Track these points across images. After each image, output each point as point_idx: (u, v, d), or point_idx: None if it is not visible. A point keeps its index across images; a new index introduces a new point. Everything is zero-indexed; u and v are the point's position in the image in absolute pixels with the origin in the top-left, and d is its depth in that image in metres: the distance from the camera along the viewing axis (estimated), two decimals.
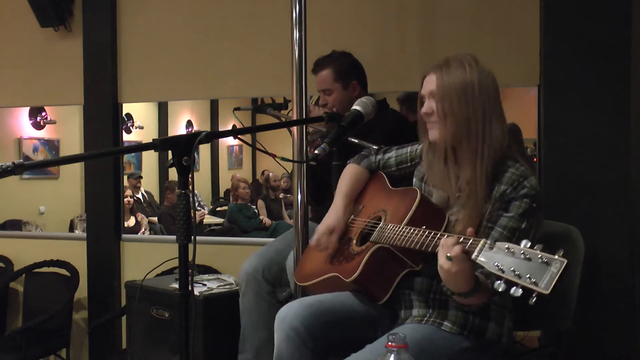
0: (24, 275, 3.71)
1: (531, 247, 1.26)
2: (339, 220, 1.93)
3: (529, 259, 1.23)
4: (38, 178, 4.63)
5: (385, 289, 1.74)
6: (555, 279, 1.19)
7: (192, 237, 1.44)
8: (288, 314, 1.75)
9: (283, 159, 1.74)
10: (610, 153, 2.60)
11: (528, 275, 1.22)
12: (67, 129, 4.46)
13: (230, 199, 5.32)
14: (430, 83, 1.70)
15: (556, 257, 1.20)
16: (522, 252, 1.25)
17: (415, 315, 1.75)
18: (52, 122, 4.49)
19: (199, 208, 5.11)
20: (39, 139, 4.50)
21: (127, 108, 3.88)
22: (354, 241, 1.88)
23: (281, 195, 5.36)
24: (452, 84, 1.65)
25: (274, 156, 1.70)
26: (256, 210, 5.16)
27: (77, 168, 4.00)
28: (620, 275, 2.59)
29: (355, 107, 1.80)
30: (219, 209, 5.52)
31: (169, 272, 3.16)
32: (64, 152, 4.61)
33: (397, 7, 3.12)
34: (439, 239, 1.50)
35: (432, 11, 3.06)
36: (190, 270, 1.46)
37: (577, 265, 1.95)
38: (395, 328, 1.72)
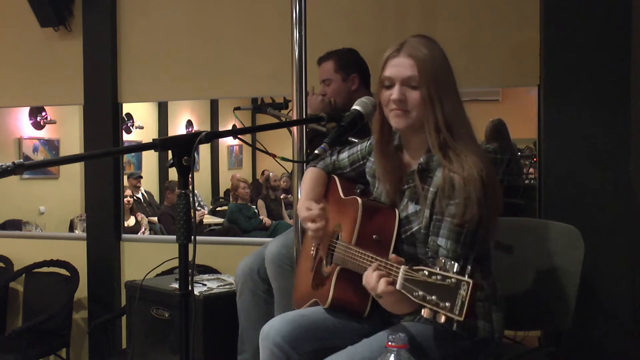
0: (24, 275, 3.71)
1: (444, 266, 1.26)
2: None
3: (443, 283, 1.24)
4: (38, 178, 4.63)
5: (362, 304, 1.73)
6: (466, 304, 1.19)
7: (192, 237, 1.44)
8: (270, 331, 1.76)
9: (283, 158, 1.74)
10: (610, 153, 2.60)
11: (445, 303, 1.22)
12: (67, 129, 4.47)
13: (230, 199, 5.33)
14: (405, 68, 1.63)
15: (464, 278, 1.21)
16: (437, 275, 1.26)
17: (406, 318, 1.74)
18: (52, 122, 4.50)
19: (199, 208, 5.11)
20: (39, 139, 4.51)
21: (127, 108, 3.88)
22: (325, 260, 1.88)
23: (282, 196, 5.37)
24: (433, 71, 1.61)
25: (274, 156, 1.69)
26: (256, 210, 5.17)
27: (77, 168, 4.00)
28: (620, 275, 2.59)
29: (356, 107, 1.80)
30: (219, 209, 5.52)
31: (169, 272, 3.16)
32: (64, 152, 4.62)
33: (397, 7, 3.12)
34: (382, 266, 1.49)
35: (432, 11, 3.06)
36: (190, 270, 1.45)
37: (577, 265, 1.95)
38: (390, 327, 1.72)
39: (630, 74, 2.57)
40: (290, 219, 4.89)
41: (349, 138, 2.17)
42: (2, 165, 1.25)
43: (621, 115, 2.59)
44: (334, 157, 2.03)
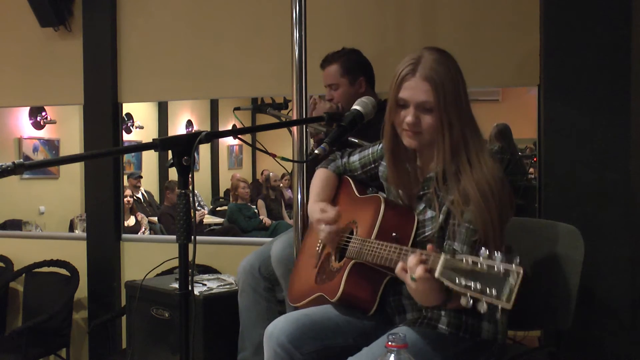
0: (24, 275, 3.71)
1: (490, 256, 1.24)
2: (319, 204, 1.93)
3: (490, 271, 1.22)
4: (38, 178, 4.63)
5: (371, 301, 1.74)
6: (515, 292, 1.18)
7: (192, 237, 1.44)
8: (274, 330, 1.76)
9: (283, 158, 1.74)
10: (610, 153, 2.60)
11: (490, 290, 1.20)
12: (67, 129, 4.46)
13: (230, 199, 5.32)
14: (420, 92, 1.62)
15: (513, 267, 1.19)
16: (483, 264, 1.23)
17: (410, 318, 1.75)
18: (52, 122, 4.49)
19: (199, 208, 5.11)
20: (39, 139, 4.50)
21: (127, 108, 3.88)
22: (333, 257, 1.88)
23: (288, 191, 5.38)
24: (448, 94, 1.60)
25: (274, 156, 1.69)
26: (256, 210, 5.17)
27: (77, 168, 4.00)
28: (620, 275, 2.59)
29: (356, 107, 1.80)
30: (219, 208, 5.52)
31: (169, 272, 3.16)
32: (64, 152, 4.62)
33: (397, 7, 3.12)
34: (405, 255, 1.49)
35: (432, 11, 3.06)
36: (190, 270, 1.45)
37: (577, 265, 1.95)
38: (392, 330, 1.72)
39: (630, 74, 2.57)
40: (290, 219, 4.89)
41: (350, 138, 2.18)
42: (2, 165, 1.25)
43: (621, 115, 2.59)
44: (345, 160, 2.03)
